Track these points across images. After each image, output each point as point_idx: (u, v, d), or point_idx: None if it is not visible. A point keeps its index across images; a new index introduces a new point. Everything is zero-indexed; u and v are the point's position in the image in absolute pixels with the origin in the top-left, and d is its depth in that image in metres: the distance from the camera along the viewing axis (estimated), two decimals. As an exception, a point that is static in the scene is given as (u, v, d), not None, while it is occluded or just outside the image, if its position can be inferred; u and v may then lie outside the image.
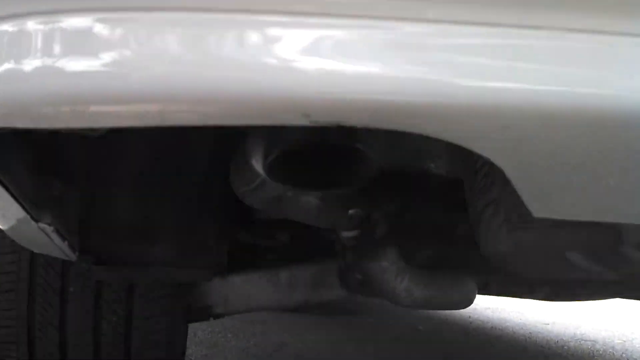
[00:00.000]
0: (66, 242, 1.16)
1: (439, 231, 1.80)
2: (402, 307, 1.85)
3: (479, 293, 2.25)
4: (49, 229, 1.02)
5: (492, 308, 4.58)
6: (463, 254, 1.93)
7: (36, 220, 0.97)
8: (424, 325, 4.00)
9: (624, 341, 3.48)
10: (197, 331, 3.23)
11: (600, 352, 3.18)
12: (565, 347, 3.29)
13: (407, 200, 1.67)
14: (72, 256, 1.30)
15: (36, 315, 1.51)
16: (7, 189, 0.87)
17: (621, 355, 3.12)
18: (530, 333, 3.80)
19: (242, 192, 1.09)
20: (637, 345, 3.40)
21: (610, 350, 3.26)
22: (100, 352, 1.55)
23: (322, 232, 1.80)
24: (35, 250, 1.35)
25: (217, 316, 1.88)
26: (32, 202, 0.93)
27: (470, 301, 1.81)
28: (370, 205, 1.49)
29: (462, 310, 5.00)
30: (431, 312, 4.84)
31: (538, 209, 0.74)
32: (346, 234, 1.51)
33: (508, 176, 0.79)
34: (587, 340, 3.54)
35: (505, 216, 1.25)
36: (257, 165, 0.87)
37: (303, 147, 0.93)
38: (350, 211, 1.41)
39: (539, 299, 2.54)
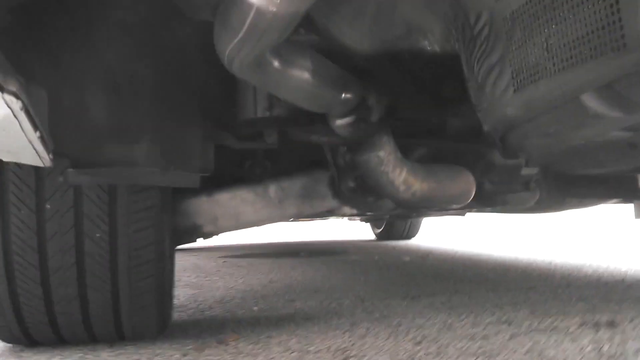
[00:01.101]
0: (39, 134, 1.04)
1: (431, 128, 1.73)
2: (401, 206, 1.79)
3: (474, 206, 2.21)
4: (17, 105, 0.90)
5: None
6: (456, 152, 1.88)
7: (1, 89, 0.85)
8: (411, 257, 3.99)
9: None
10: (182, 277, 3.15)
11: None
12: (538, 266, 3.30)
13: (398, 94, 1.58)
14: (47, 159, 1.18)
15: (12, 237, 1.39)
16: None
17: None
18: (516, 258, 3.82)
19: (231, 49, 0.99)
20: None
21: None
22: (84, 272, 1.45)
23: (309, 139, 1.71)
24: (6, 157, 1.22)
25: (207, 235, 1.80)
26: None
27: (469, 194, 1.76)
28: (364, 89, 1.40)
29: (448, 244, 5.01)
30: (416, 245, 4.84)
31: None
32: (340, 121, 1.43)
33: None
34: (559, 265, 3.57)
35: (512, 74, 1.18)
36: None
37: None
38: (344, 93, 1.32)
39: (530, 209, 2.51)
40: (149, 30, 1.34)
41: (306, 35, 1.39)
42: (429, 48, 1.38)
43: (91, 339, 1.61)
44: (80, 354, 1.55)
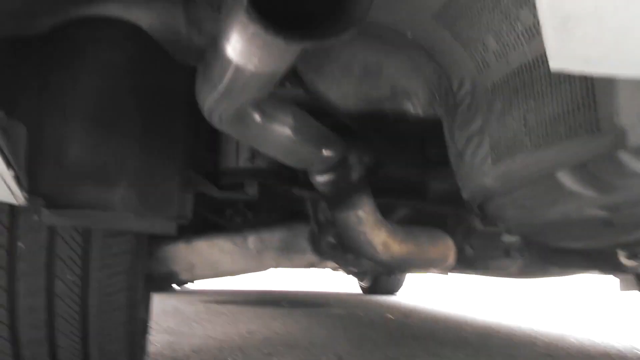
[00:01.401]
0: (12, 172, 1.04)
1: (413, 189, 1.73)
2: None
3: (455, 269, 2.19)
4: (-10, 145, 0.90)
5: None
6: (437, 216, 1.87)
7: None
8: (393, 314, 3.94)
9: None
10: (161, 321, 3.10)
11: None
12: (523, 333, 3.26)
13: (380, 153, 1.59)
14: (21, 197, 1.17)
15: (-20, 274, 1.37)
16: None
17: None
18: (499, 323, 3.77)
19: (211, 103, 0.99)
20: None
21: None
22: (54, 315, 1.42)
23: (291, 192, 1.71)
24: (-21, 194, 1.22)
25: (183, 283, 1.78)
26: None
27: (448, 259, 1.75)
28: (346, 147, 1.41)
29: (431, 303, 4.96)
30: (401, 303, 4.79)
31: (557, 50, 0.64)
32: (320, 178, 1.43)
33: None
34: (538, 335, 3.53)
35: (491, 145, 1.18)
36: (231, 48, 0.78)
37: None
38: (325, 151, 1.33)
39: (513, 275, 2.49)
40: (135, 71, 1.35)
41: (292, 89, 1.41)
42: (412, 111, 1.39)
43: (58, 383, 1.57)
44: (43, 400, 1.51)
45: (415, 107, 1.38)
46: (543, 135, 1.04)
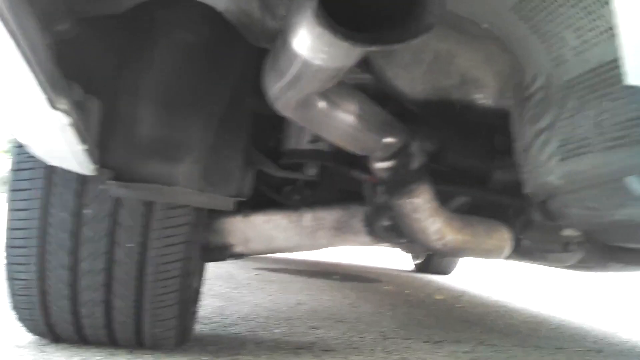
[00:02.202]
0: (84, 147, 1.07)
1: (475, 177, 1.70)
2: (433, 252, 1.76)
3: (511, 257, 2.16)
4: (66, 120, 0.93)
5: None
6: (497, 205, 1.84)
7: (52, 105, 0.88)
8: (443, 295, 3.92)
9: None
10: (214, 286, 3.18)
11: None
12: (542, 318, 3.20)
13: (445, 140, 1.57)
14: (90, 169, 1.22)
15: (47, 237, 1.43)
16: (28, 63, 0.79)
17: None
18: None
19: (276, 91, 1.00)
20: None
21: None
22: (112, 279, 1.47)
23: (350, 174, 1.71)
24: (52, 162, 1.27)
25: (237, 256, 1.81)
26: (49, 82, 0.84)
27: (503, 251, 1.72)
28: (408, 135, 1.39)
29: (483, 287, 4.92)
30: (451, 284, 4.77)
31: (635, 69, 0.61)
32: (380, 164, 1.42)
33: None
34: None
35: (559, 143, 1.15)
36: (298, 43, 0.78)
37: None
38: (387, 138, 1.32)
39: (571, 267, 2.44)
40: (208, 52, 1.37)
41: (361, 74, 1.40)
42: (481, 101, 1.36)
43: (112, 342, 1.64)
44: (100, 358, 1.58)
45: (484, 97, 1.35)
46: (615, 138, 1.00)
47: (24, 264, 1.46)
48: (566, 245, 1.96)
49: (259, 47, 1.30)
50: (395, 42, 0.72)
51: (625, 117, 0.97)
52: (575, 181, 1.14)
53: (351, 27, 0.71)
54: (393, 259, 6.61)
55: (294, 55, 0.84)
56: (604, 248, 2.12)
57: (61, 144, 1.05)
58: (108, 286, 1.48)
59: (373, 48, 0.72)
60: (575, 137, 1.10)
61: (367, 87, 1.42)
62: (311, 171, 1.60)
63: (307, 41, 0.76)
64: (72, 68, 1.20)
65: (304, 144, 1.49)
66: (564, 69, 1.11)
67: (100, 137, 1.24)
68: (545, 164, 1.20)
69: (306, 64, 0.84)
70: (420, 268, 5.63)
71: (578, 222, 1.44)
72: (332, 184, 1.87)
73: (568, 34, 1.04)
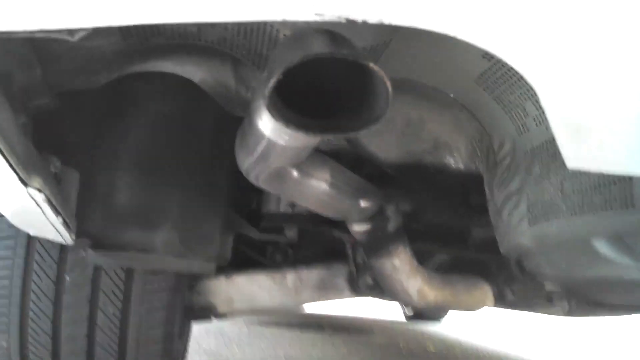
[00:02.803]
0: (61, 220, 1.09)
1: (454, 235, 1.73)
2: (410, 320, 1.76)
3: (497, 306, 2.16)
4: (40, 197, 0.95)
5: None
6: (479, 260, 1.86)
7: (25, 184, 0.90)
8: (435, 346, 3.89)
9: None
10: (202, 342, 3.15)
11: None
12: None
13: (421, 200, 1.60)
14: (69, 238, 1.23)
15: (29, 304, 1.44)
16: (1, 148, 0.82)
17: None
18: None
19: (247, 165, 1.03)
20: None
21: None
22: (94, 344, 1.47)
23: (331, 234, 1.73)
24: (31, 232, 1.28)
25: (221, 316, 1.81)
26: (21, 163, 0.87)
27: (485, 305, 1.73)
28: (383, 198, 1.42)
29: (476, 334, 4.88)
30: (444, 334, 4.73)
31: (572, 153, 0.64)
32: (357, 227, 1.44)
33: None
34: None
35: (528, 207, 1.18)
36: (262, 124, 0.81)
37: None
38: (362, 202, 1.34)
39: (557, 313, 2.43)
40: (185, 120, 1.40)
41: (335, 141, 1.43)
42: (453, 165, 1.40)
43: (97, 409, 1.63)
44: None
45: (456, 161, 1.38)
46: (579, 204, 1.03)
47: (4, 332, 1.46)
48: (549, 298, 1.98)
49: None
50: (348, 131, 0.75)
51: (587, 185, 1.00)
52: (544, 244, 1.16)
53: (309, 110, 0.74)
54: (385, 307, 6.56)
55: (260, 135, 0.87)
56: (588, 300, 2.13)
57: (38, 217, 1.07)
58: (90, 352, 1.48)
59: (327, 137, 0.75)
60: (542, 201, 1.13)
61: (342, 151, 1.45)
62: (291, 233, 1.63)
63: (268, 124, 0.80)
64: (50, 140, 1.23)
65: (283, 207, 1.52)
66: (527, 137, 1.15)
67: (78, 207, 1.26)
68: (516, 227, 1.22)
69: (272, 143, 0.87)
70: (411, 317, 5.60)
71: (553, 279, 1.46)
72: (314, 243, 1.89)
73: (529, 105, 1.07)
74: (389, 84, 0.74)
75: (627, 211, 0.92)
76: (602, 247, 1.03)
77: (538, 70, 0.65)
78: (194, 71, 1.26)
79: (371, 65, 0.71)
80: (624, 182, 0.92)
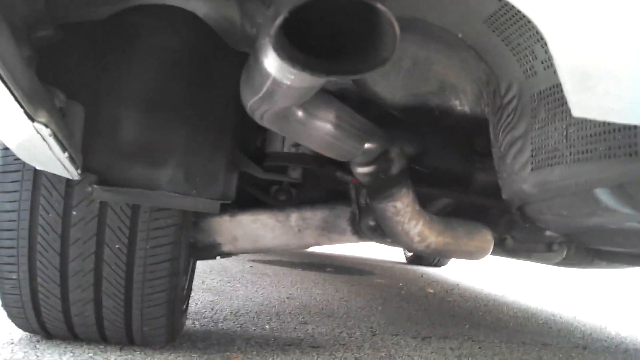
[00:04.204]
0: (67, 154, 1.10)
1: (457, 180, 1.73)
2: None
3: (496, 254, 2.20)
4: (46, 132, 0.96)
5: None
6: (481, 206, 1.87)
7: (31, 118, 0.91)
8: (435, 289, 3.97)
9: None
10: (206, 279, 3.22)
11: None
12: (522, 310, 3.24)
13: (426, 143, 1.60)
14: (75, 173, 1.24)
15: (37, 238, 1.46)
16: (4, 81, 0.82)
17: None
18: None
19: (252, 103, 1.03)
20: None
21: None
22: (101, 279, 1.51)
23: (335, 175, 1.74)
24: (38, 166, 1.30)
25: (225, 254, 1.84)
26: (26, 96, 0.87)
27: (485, 252, 1.75)
28: (388, 140, 1.42)
29: (476, 280, 4.96)
30: (443, 278, 4.81)
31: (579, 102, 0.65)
32: (361, 169, 1.45)
33: None
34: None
35: (532, 152, 1.18)
36: (268, 62, 0.81)
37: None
38: (366, 144, 1.35)
39: (556, 263, 2.47)
40: (192, 56, 1.39)
41: (340, 82, 1.42)
42: (459, 108, 1.39)
43: (103, 339, 1.68)
44: (91, 354, 1.62)
45: (462, 104, 1.37)
46: (583, 151, 1.03)
47: (14, 264, 1.49)
48: (549, 245, 2.00)
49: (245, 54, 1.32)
50: (354, 72, 0.75)
51: (591, 132, 1.00)
52: (546, 190, 1.17)
53: (314, 50, 0.74)
54: (387, 250, 6.65)
55: (266, 73, 0.87)
56: (588, 248, 2.16)
57: (44, 151, 1.08)
58: (97, 286, 1.52)
59: (332, 78, 0.75)
60: (546, 147, 1.13)
61: (348, 92, 1.44)
62: (295, 173, 1.64)
63: (274, 63, 0.79)
64: (54, 74, 1.23)
65: (288, 147, 1.52)
66: (534, 81, 1.14)
67: (83, 142, 1.27)
68: (519, 173, 1.23)
69: (277, 83, 0.87)
70: (412, 260, 5.66)
71: (553, 226, 1.47)
72: (318, 184, 1.90)
73: (537, 48, 1.06)
74: (396, 25, 0.73)
75: (630, 159, 0.93)
76: (604, 196, 1.04)
77: (546, 15, 0.64)
78: (198, 5, 1.25)
79: (379, 5, 0.71)
80: (627, 131, 0.92)
